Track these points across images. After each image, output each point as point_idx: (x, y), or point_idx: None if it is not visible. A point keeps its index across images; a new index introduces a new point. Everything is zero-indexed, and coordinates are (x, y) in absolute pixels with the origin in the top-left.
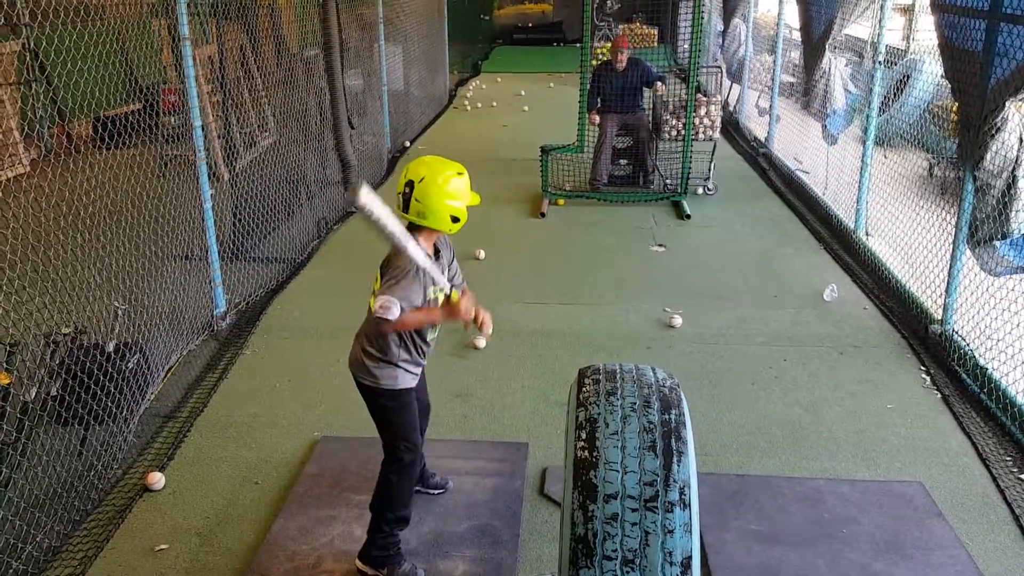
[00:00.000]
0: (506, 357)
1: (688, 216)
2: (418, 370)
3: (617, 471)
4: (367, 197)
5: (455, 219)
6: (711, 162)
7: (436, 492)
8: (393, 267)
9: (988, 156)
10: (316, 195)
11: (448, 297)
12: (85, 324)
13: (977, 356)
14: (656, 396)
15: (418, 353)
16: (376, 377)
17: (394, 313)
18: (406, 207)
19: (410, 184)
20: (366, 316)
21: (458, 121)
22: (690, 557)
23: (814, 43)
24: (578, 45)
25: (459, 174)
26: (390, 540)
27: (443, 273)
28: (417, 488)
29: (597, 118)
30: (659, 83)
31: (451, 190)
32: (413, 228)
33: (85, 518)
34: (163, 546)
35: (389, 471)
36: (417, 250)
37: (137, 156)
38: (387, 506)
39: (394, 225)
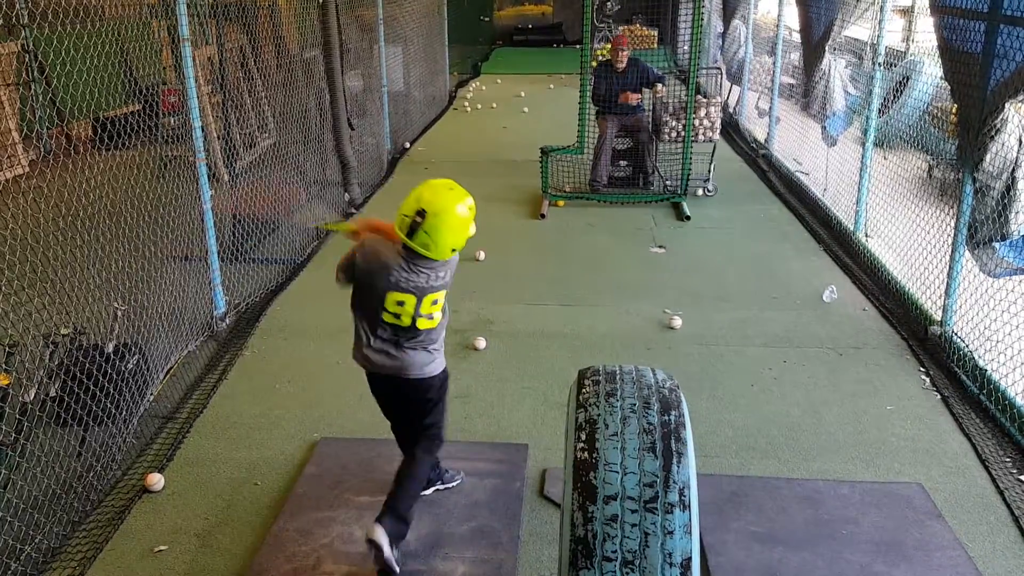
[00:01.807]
0: (506, 358)
1: (688, 217)
2: None
3: (617, 472)
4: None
5: (453, 250)
6: (711, 163)
7: (452, 485)
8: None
9: (987, 158)
10: (316, 196)
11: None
12: (84, 325)
13: (977, 357)
14: (656, 397)
15: None
16: (439, 364)
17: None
18: (411, 234)
19: (422, 214)
20: (413, 335)
21: (458, 122)
22: (690, 558)
23: (814, 45)
24: (578, 46)
25: (469, 208)
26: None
27: (424, 282)
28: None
29: (637, 96)
30: (659, 84)
31: (460, 224)
32: (410, 251)
33: (84, 519)
34: (162, 547)
35: (431, 456)
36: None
37: (137, 157)
38: (421, 489)
39: None
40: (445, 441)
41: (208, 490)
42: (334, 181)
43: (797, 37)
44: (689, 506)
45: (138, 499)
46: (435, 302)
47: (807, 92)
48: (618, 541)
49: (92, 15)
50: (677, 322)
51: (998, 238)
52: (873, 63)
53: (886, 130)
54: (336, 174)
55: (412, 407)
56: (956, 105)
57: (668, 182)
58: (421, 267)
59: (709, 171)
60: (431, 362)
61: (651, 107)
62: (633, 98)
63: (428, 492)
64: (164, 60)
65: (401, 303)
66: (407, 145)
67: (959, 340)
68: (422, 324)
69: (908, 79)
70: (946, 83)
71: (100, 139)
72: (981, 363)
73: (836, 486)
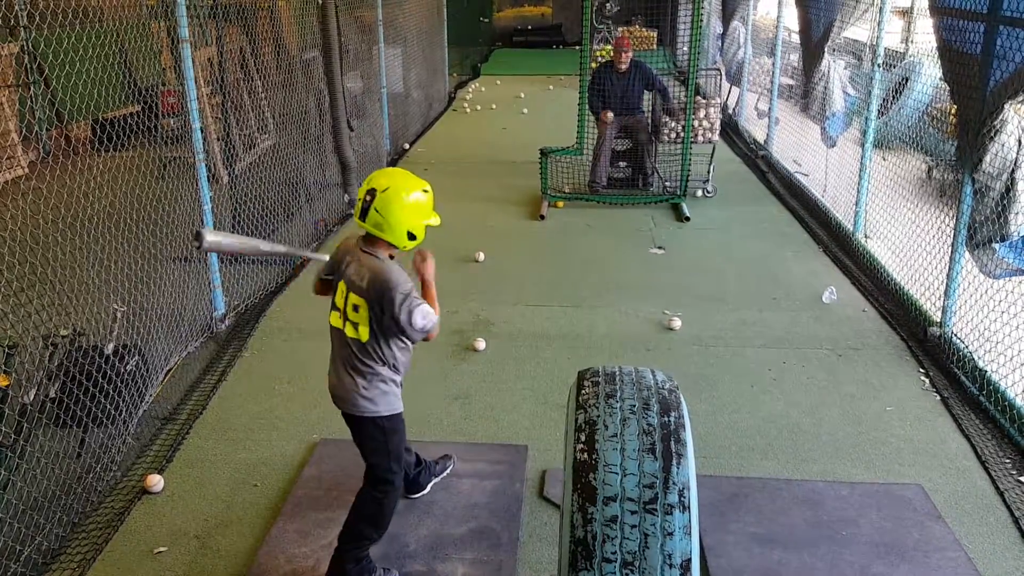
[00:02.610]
0: (506, 359)
1: (687, 218)
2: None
3: (616, 473)
4: (210, 236)
5: (411, 236)
6: (710, 164)
7: (444, 475)
8: (399, 294)
9: (987, 158)
10: (315, 197)
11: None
12: (84, 326)
13: (976, 358)
14: (655, 398)
15: (406, 366)
16: (378, 405)
17: (435, 317)
18: (363, 215)
19: (372, 192)
20: (345, 347)
21: (457, 123)
22: (689, 559)
23: (813, 46)
24: (577, 48)
25: (424, 191)
26: (364, 553)
27: (354, 271)
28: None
29: (611, 115)
30: (673, 112)
31: (412, 205)
32: (370, 239)
33: (84, 521)
34: (162, 549)
35: (378, 495)
36: (274, 245)
37: (136, 158)
38: (373, 528)
39: (247, 243)
40: (398, 488)
41: (207, 491)
42: (334, 182)
43: (796, 38)
44: (689, 507)
45: (138, 500)
46: (356, 308)
47: (806, 93)
48: (618, 542)
49: (92, 16)
50: (677, 323)
51: (997, 239)
52: (872, 64)
53: (885, 131)
54: (336, 175)
55: (357, 438)
56: (955, 106)
57: (667, 183)
58: (367, 251)
59: (708, 172)
60: (365, 398)
61: (650, 108)
62: (608, 116)
63: (426, 491)
64: (164, 61)
65: (344, 294)
66: (407, 146)
67: (959, 341)
68: (348, 331)
69: (907, 80)
70: (945, 84)
71: (100, 140)
72: (981, 364)
73: (836, 487)
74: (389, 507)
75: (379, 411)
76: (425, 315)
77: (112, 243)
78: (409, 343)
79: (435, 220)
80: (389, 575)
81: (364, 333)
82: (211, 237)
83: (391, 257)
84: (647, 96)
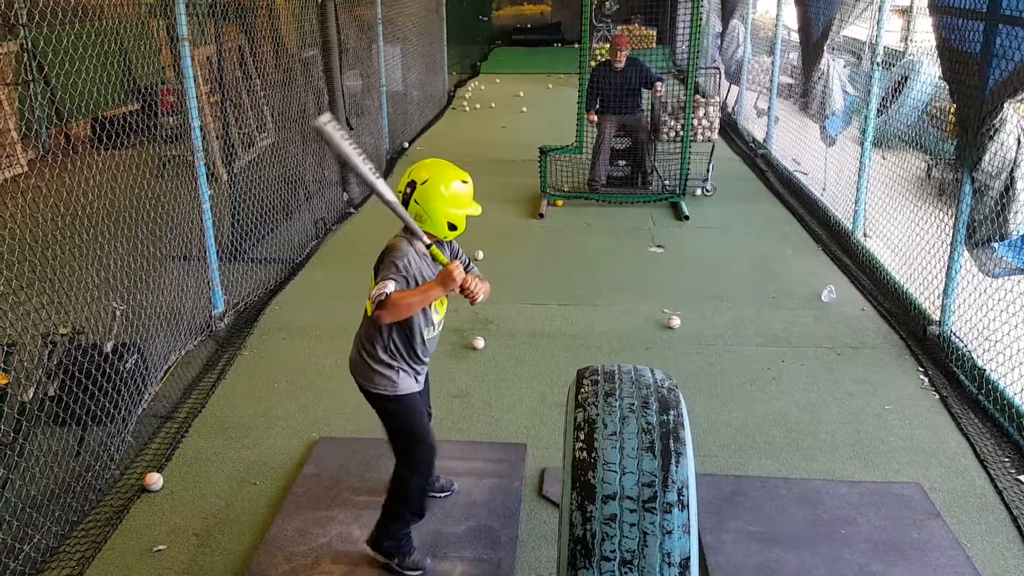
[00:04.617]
0: (505, 358)
1: (686, 217)
2: (421, 376)
3: (615, 472)
4: (328, 124)
5: (452, 227)
6: (709, 163)
7: (442, 495)
8: (384, 265)
9: (986, 157)
10: (314, 195)
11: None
12: (83, 324)
13: (975, 357)
14: (654, 397)
15: (416, 356)
16: (375, 382)
17: (390, 288)
18: (404, 206)
19: (412, 185)
20: (363, 319)
21: (457, 122)
22: (688, 558)
23: (812, 44)
24: (576, 46)
25: (463, 181)
26: (403, 531)
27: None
28: None
29: (595, 117)
30: (658, 83)
31: (452, 196)
32: (409, 230)
33: (83, 519)
34: (161, 547)
35: (404, 472)
36: (384, 187)
37: (135, 157)
38: (404, 504)
39: (356, 158)
40: (420, 465)
41: (207, 490)
42: (332, 180)
43: (796, 37)
44: (687, 506)
45: (137, 498)
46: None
47: (806, 92)
48: (616, 541)
49: (91, 14)
50: (676, 322)
51: (997, 238)
52: (872, 63)
53: (885, 130)
54: (335, 173)
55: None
56: (955, 105)
57: (667, 182)
58: (402, 234)
59: (708, 171)
60: (366, 371)
61: (650, 107)
62: (593, 118)
63: None
64: (163, 59)
65: None
66: (406, 145)
67: (957, 340)
68: (368, 305)
69: (907, 79)
70: (945, 83)
71: (99, 138)
72: (979, 363)
73: (834, 486)
74: (414, 484)
75: (376, 389)
76: (379, 285)
77: (111, 241)
78: (414, 332)
79: (476, 210)
80: (426, 561)
81: (370, 306)
82: (329, 127)
83: (437, 244)
84: (646, 94)
